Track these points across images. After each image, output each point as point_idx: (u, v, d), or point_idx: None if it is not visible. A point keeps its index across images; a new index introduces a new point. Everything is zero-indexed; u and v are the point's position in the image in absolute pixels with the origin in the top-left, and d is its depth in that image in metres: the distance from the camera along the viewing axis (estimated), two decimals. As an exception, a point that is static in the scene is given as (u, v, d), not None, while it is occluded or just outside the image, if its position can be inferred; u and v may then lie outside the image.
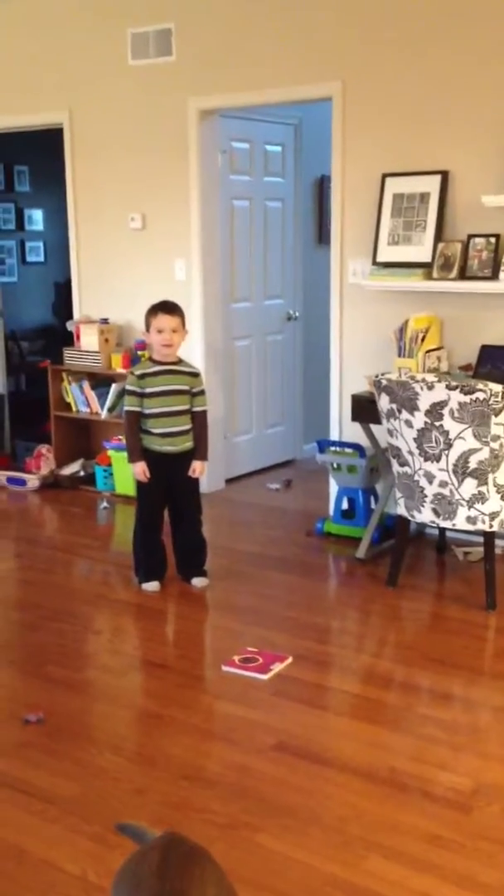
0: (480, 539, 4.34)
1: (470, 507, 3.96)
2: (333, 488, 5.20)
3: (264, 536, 5.14)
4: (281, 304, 6.48)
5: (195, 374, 4.28)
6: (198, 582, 4.36)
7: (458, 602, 4.17)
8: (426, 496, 4.07)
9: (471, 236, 4.59)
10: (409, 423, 4.01)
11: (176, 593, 4.33)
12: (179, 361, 4.25)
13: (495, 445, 3.86)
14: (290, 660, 3.58)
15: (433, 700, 3.33)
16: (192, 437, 4.25)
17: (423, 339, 4.62)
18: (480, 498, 3.93)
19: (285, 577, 4.55)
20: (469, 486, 3.93)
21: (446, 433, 3.91)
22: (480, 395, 3.81)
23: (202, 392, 4.28)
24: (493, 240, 4.53)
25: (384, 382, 4.07)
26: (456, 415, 3.86)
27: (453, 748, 3.00)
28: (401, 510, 4.24)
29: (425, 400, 3.92)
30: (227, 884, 1.61)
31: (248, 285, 6.19)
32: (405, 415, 4.01)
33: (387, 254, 4.87)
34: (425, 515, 4.12)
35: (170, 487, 4.28)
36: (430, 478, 4.03)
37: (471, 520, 3.98)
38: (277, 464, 6.52)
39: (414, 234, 4.79)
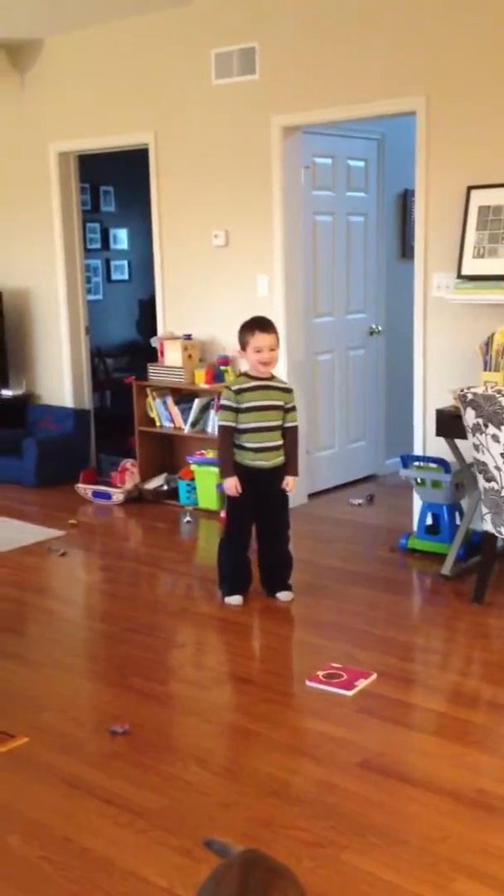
0: None
1: None
2: (417, 504, 5.15)
3: (347, 552, 5.12)
4: (363, 319, 6.46)
5: (288, 390, 4.32)
6: (283, 596, 4.35)
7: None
8: (513, 512, 4.00)
9: None
10: (495, 438, 3.95)
11: (259, 607, 4.34)
12: (273, 377, 4.29)
13: None
14: (374, 676, 3.55)
15: (522, 721, 3.26)
16: (283, 453, 4.27)
17: (509, 353, 4.55)
18: None
19: (369, 592, 4.52)
20: None
21: (534, 448, 3.84)
22: None
23: (294, 408, 4.31)
24: None
25: (470, 397, 4.02)
26: (544, 430, 3.79)
27: (536, 768, 2.93)
28: (487, 526, 4.17)
29: (512, 414, 3.86)
30: None
31: (330, 300, 6.19)
32: (492, 429, 3.95)
33: (472, 267, 4.82)
34: (512, 532, 4.05)
35: (259, 502, 4.30)
36: (517, 494, 3.96)
37: None
38: (360, 479, 6.49)
39: (500, 246, 4.73)
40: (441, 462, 4.80)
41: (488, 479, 4.07)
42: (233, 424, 4.21)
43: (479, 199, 4.80)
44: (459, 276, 4.86)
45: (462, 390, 4.09)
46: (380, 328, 6.53)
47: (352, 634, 3.99)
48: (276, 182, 5.62)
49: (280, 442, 4.26)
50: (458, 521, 4.88)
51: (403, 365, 5.61)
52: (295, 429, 4.31)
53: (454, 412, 4.45)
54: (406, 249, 6.46)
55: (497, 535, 4.15)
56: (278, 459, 4.26)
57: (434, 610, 4.36)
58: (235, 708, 3.43)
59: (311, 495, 6.08)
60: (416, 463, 4.95)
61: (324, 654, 3.78)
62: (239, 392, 4.20)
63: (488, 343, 4.61)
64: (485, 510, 4.17)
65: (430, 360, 5.11)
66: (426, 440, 5.14)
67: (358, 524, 5.60)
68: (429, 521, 4.98)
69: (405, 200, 6.49)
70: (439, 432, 4.68)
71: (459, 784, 2.85)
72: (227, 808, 2.78)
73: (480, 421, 3.99)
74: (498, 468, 3.99)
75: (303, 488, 6.00)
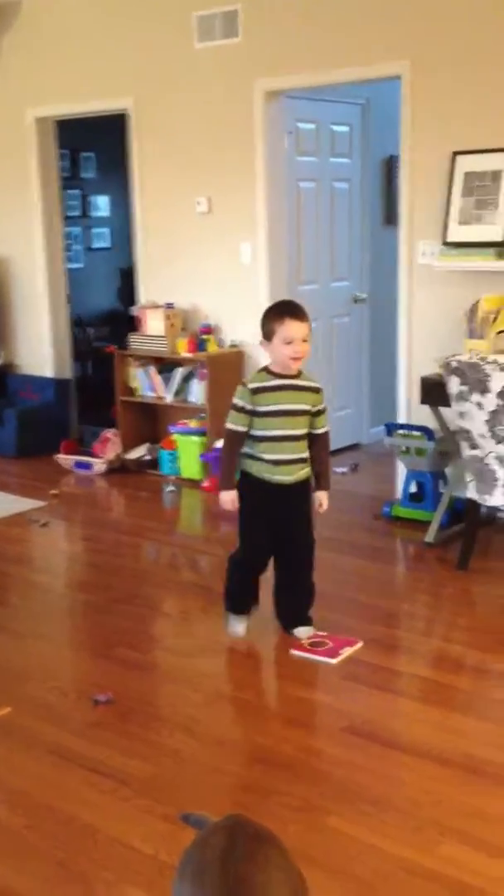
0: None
1: (544, 491, 3.87)
2: (401, 472, 5.14)
3: (331, 520, 5.08)
4: (348, 286, 6.41)
5: (318, 390, 3.51)
6: (302, 632, 3.62)
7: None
8: (498, 479, 3.99)
9: (544, 214, 4.48)
10: (480, 406, 3.93)
11: (244, 577, 4.32)
12: (300, 374, 3.47)
13: None
14: (360, 644, 3.55)
15: (507, 686, 3.27)
16: (308, 465, 3.52)
17: (494, 320, 4.52)
18: None
19: (353, 560, 4.51)
20: (543, 470, 3.84)
21: (519, 415, 3.82)
22: None
23: (324, 410, 3.55)
24: None
25: (454, 364, 4.00)
26: (530, 396, 3.77)
27: (500, 724, 2.94)
28: (471, 493, 4.17)
29: (497, 382, 3.84)
30: (294, 868, 1.58)
31: (314, 268, 6.14)
32: (476, 397, 3.93)
33: (457, 234, 4.78)
34: (497, 499, 4.04)
35: (279, 523, 3.54)
36: (501, 461, 3.95)
37: (545, 504, 3.89)
38: (344, 447, 6.47)
39: (485, 212, 4.69)
40: (425, 430, 4.78)
41: (472, 447, 4.06)
42: (243, 430, 3.42)
43: (465, 164, 4.75)
44: (445, 243, 4.82)
45: (447, 358, 4.07)
46: (364, 296, 6.49)
47: (337, 602, 3.98)
48: (258, 148, 5.54)
49: (305, 454, 3.49)
50: (441, 489, 4.87)
51: (388, 333, 5.58)
52: (326, 435, 3.56)
53: (439, 380, 4.42)
54: (391, 216, 6.40)
55: (481, 502, 4.15)
56: (302, 472, 3.49)
57: (418, 577, 4.36)
58: (221, 676, 3.42)
59: (295, 465, 6.06)
60: (401, 431, 4.93)
61: (309, 622, 3.78)
62: (257, 392, 3.40)
63: (473, 310, 4.58)
64: (468, 477, 4.16)
65: (414, 327, 5.08)
66: (411, 408, 5.12)
67: (342, 492, 5.58)
68: (413, 489, 4.97)
69: (390, 166, 6.42)
70: (424, 400, 4.66)
71: (445, 748, 2.86)
72: (212, 775, 2.77)
73: (465, 388, 3.97)
74: (482, 435, 3.97)
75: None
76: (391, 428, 4.94)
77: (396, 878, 2.31)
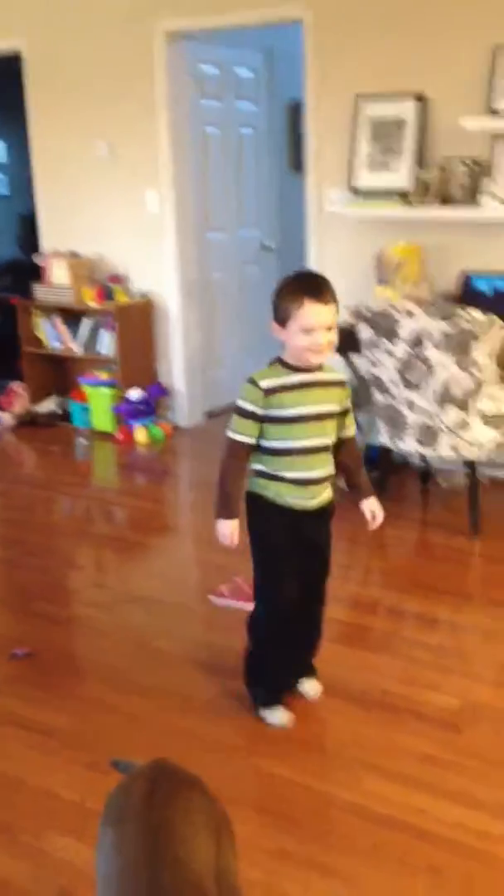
0: (464, 467, 4.35)
1: (453, 436, 3.96)
2: (313, 420, 5.17)
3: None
4: (256, 234, 6.38)
5: (344, 384, 2.76)
6: (312, 689, 2.94)
7: (443, 529, 4.20)
8: (409, 425, 4.07)
9: (450, 160, 4.52)
10: (390, 353, 3.98)
11: (158, 525, 4.31)
12: (321, 366, 2.69)
13: (477, 373, 3.85)
14: (277, 590, 3.59)
15: (421, 625, 3.37)
16: (331, 482, 2.78)
17: (403, 268, 4.57)
18: (463, 426, 3.93)
19: (268, 509, 4.54)
20: (452, 415, 3.93)
21: (428, 362, 3.89)
22: (462, 324, 3.78)
23: (350, 409, 2.80)
24: (472, 164, 4.47)
25: (365, 312, 4.03)
26: (438, 343, 3.84)
27: (442, 670, 3.04)
28: (384, 440, 4.23)
29: (407, 329, 3.90)
30: (217, 809, 1.60)
31: (222, 215, 6.08)
32: (387, 344, 3.98)
33: (364, 181, 4.79)
34: (409, 445, 4.12)
35: (299, 555, 2.81)
36: (412, 407, 4.02)
37: (454, 448, 3.98)
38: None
39: (392, 159, 4.71)
40: (336, 378, 4.81)
41: (383, 394, 4.12)
42: (251, 441, 2.65)
43: (370, 110, 4.75)
44: (352, 190, 4.82)
45: (357, 306, 4.10)
46: (273, 244, 6.46)
47: (253, 550, 4.01)
48: (160, 91, 5.42)
49: (332, 470, 2.75)
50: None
51: (296, 281, 5.56)
52: (355, 440, 2.83)
53: (349, 328, 4.45)
54: (298, 162, 6.37)
55: (393, 447, 4.22)
56: (327, 494, 2.76)
57: (334, 523, 4.42)
58: (139, 626, 3.42)
59: (209, 414, 6.05)
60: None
61: (227, 570, 3.80)
62: (271, 392, 2.60)
63: (382, 258, 4.61)
64: (381, 424, 4.22)
65: (324, 274, 5.08)
66: (321, 356, 5.14)
67: (254, 442, 5.61)
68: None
69: (296, 112, 6.37)
70: (336, 348, 4.68)
71: (364, 688, 2.94)
72: (136, 723, 2.79)
73: (376, 336, 4.01)
74: (393, 382, 4.03)
75: (200, 407, 5.96)
76: (302, 376, 4.95)
77: (322, 813, 2.39)
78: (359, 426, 4.89)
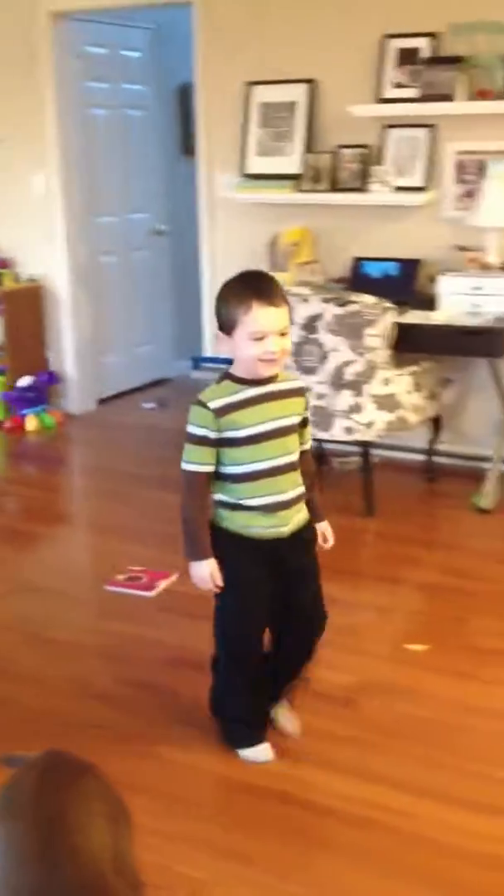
0: (357, 449, 4.41)
1: (346, 418, 4.01)
2: (208, 405, 5.16)
3: (140, 456, 5.08)
4: (146, 218, 6.31)
5: (303, 392, 2.47)
6: (288, 722, 2.64)
7: (338, 510, 4.21)
8: (303, 409, 4.10)
9: (340, 147, 4.56)
10: (284, 336, 4.00)
11: (47, 514, 4.24)
12: (276, 376, 2.39)
13: (370, 357, 3.90)
14: (175, 576, 3.57)
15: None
16: (305, 502, 2.48)
17: (295, 253, 4.60)
18: (356, 409, 3.99)
19: (164, 495, 4.50)
20: (345, 398, 3.98)
21: (322, 346, 3.92)
22: (355, 308, 3.83)
23: (308, 419, 2.49)
24: (361, 151, 4.52)
25: (258, 295, 4.03)
26: (331, 327, 3.87)
27: (338, 648, 3.05)
28: (278, 424, 4.25)
29: (301, 313, 3.92)
30: (113, 797, 1.58)
31: (110, 199, 5.99)
32: (280, 328, 3.99)
33: (256, 165, 4.79)
34: (302, 428, 4.16)
35: (279, 588, 2.46)
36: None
37: (348, 430, 4.03)
38: (150, 382, 6.43)
39: (283, 144, 4.72)
40: (230, 363, 4.81)
41: (278, 377, 4.13)
42: (208, 469, 2.37)
43: (261, 95, 4.75)
44: (243, 174, 4.82)
45: (250, 289, 4.09)
46: (164, 228, 6.41)
47: (150, 537, 3.98)
48: (45, 73, 5.30)
49: (303, 489, 2.46)
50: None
51: (189, 265, 5.54)
52: (310, 452, 2.53)
53: (242, 312, 4.46)
54: (188, 146, 6.32)
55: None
56: (301, 517, 2.46)
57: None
58: (36, 616, 3.35)
59: (101, 401, 5.97)
60: (207, 364, 4.94)
61: (122, 558, 3.76)
62: (223, 412, 2.32)
63: (274, 243, 4.63)
64: (275, 408, 4.24)
65: (217, 259, 5.08)
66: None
67: (151, 428, 5.57)
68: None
69: (186, 95, 6.31)
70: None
71: (263, 670, 2.95)
72: (33, 714, 2.73)
73: (269, 319, 4.02)
74: (287, 367, 4.05)
75: (92, 394, 5.88)
76: (198, 361, 4.95)
77: (219, 794, 2.40)
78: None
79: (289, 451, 2.38)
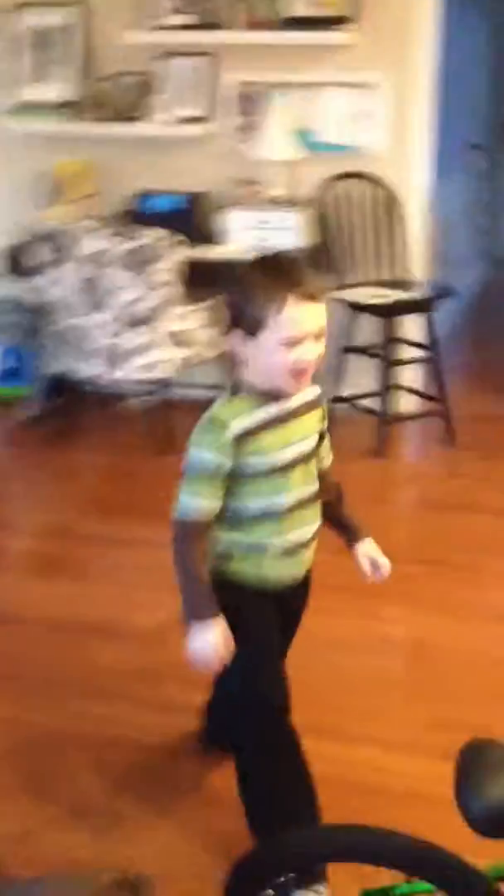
0: (153, 387, 4.36)
1: (139, 356, 3.94)
2: (-3, 349, 4.93)
3: None
4: None
5: (319, 401, 1.95)
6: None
7: (135, 451, 4.19)
8: (93, 348, 3.99)
9: (118, 74, 4.41)
10: (69, 273, 3.86)
11: None
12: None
13: (162, 292, 3.84)
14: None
15: (121, 547, 3.35)
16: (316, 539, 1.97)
17: (74, 186, 4.43)
18: (149, 346, 3.92)
19: None
20: (137, 335, 3.90)
21: (111, 282, 3.82)
22: (144, 241, 3.74)
23: (326, 432, 1.98)
24: (140, 79, 4.39)
25: (43, 231, 3.87)
26: (120, 262, 3.77)
27: (144, 588, 3.04)
28: (69, 364, 4.12)
29: (87, 248, 3.80)
30: None
31: None
32: (66, 264, 3.85)
33: (29, 93, 4.55)
34: (93, 368, 4.04)
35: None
36: (96, 329, 3.94)
37: (142, 368, 3.97)
38: None
39: (58, 70, 4.50)
40: (15, 303, 4.61)
41: (65, 317, 4.00)
42: (217, 507, 1.84)
43: (31, 18, 4.50)
44: (16, 103, 4.57)
45: (33, 225, 3.92)
46: None
47: None
48: None
49: (319, 521, 1.97)
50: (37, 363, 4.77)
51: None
52: (331, 468, 2.04)
53: (26, 248, 4.26)
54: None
55: (75, 372, 4.12)
56: (311, 554, 1.97)
57: (19, 454, 4.28)
58: None
59: None
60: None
61: None
62: (246, 436, 1.80)
63: (52, 175, 4.44)
64: (63, 349, 4.10)
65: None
66: (-3, 280, 4.88)
67: None
68: (11, 364, 4.81)
69: None
70: (12, 270, 4.46)
71: (68, 615, 2.89)
72: None
73: (54, 256, 3.86)
74: (75, 304, 3.92)
75: None
76: None
77: (29, 743, 2.33)
78: (42, 353, 4.75)
79: (311, 478, 1.91)
